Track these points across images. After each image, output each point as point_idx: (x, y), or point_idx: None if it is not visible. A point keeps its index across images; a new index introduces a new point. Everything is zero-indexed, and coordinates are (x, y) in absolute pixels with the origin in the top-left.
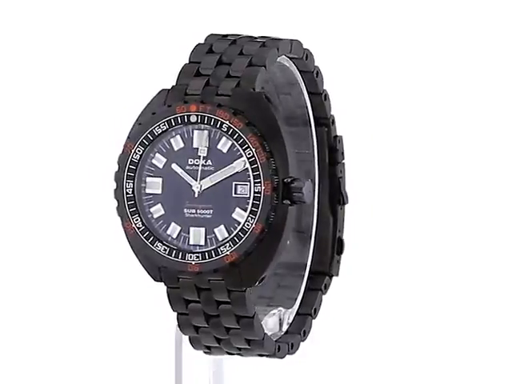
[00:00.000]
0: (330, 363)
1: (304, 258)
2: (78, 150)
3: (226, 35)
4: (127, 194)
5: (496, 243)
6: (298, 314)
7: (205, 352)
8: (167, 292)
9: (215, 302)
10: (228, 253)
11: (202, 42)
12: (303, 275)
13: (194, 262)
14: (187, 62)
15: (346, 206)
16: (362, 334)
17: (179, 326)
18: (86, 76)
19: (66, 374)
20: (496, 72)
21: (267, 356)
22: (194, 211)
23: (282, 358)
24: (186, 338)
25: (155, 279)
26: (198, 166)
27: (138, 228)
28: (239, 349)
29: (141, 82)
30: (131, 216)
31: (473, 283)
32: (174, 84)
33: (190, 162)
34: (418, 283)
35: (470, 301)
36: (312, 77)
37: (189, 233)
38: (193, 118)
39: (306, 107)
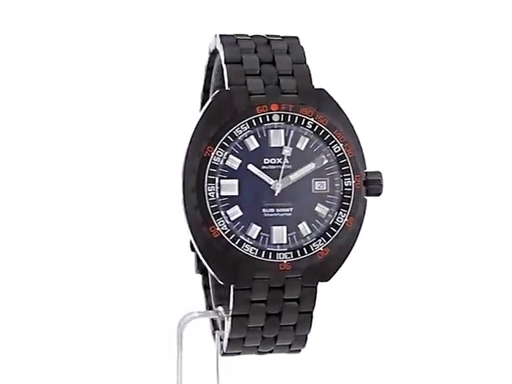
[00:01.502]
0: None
1: None
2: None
3: (234, 35)
4: (209, 197)
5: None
6: None
7: (232, 353)
8: (234, 294)
9: (282, 299)
10: (321, 248)
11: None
12: None
13: (285, 261)
14: (224, 62)
15: None
16: (355, 334)
17: (232, 327)
18: (86, 76)
19: (66, 374)
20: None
21: (295, 352)
22: (272, 210)
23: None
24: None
25: (226, 282)
26: (275, 165)
27: (224, 231)
28: (278, 346)
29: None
30: (215, 219)
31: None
32: (227, 85)
33: (265, 162)
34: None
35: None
36: None
37: (269, 232)
38: (275, 117)
39: None
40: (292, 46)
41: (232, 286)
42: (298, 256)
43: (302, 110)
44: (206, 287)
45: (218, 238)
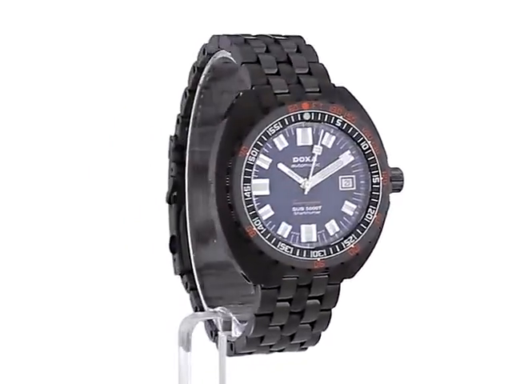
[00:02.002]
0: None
1: None
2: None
3: (241, 35)
4: (245, 197)
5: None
6: None
7: (243, 353)
8: (262, 294)
9: (307, 298)
10: (352, 245)
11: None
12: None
13: (319, 259)
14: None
15: None
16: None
17: (256, 327)
18: (84, 76)
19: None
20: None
21: (302, 350)
22: (302, 209)
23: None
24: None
25: (256, 281)
26: (303, 163)
27: (260, 231)
28: (291, 345)
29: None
30: (251, 219)
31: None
32: (250, 85)
33: (294, 161)
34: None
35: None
36: None
37: (299, 231)
38: (306, 116)
39: None
40: (301, 45)
41: (260, 286)
42: (330, 254)
43: (331, 108)
44: (192, 288)
45: (254, 237)
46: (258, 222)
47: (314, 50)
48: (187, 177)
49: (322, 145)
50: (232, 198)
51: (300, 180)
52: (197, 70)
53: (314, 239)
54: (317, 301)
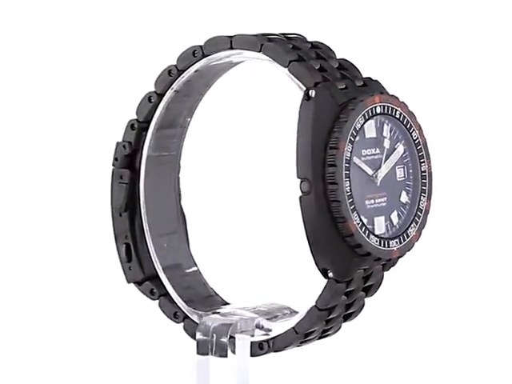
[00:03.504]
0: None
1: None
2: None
3: (259, 34)
4: (347, 192)
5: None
6: None
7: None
8: (335, 288)
9: (360, 289)
10: (414, 233)
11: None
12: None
13: (395, 248)
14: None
15: None
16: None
17: (316, 321)
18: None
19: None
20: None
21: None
22: (372, 201)
23: None
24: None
25: (338, 275)
26: (371, 155)
27: (358, 224)
28: (320, 337)
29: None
30: (352, 213)
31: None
32: (312, 82)
33: (363, 153)
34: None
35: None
36: None
37: (373, 223)
38: (378, 109)
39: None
40: (311, 41)
41: (335, 280)
42: (402, 242)
43: (391, 100)
44: (162, 294)
45: (355, 231)
46: (356, 216)
47: (327, 46)
48: (142, 182)
49: (386, 137)
50: (337, 193)
51: (370, 172)
52: (177, 72)
53: (383, 230)
54: (363, 292)
